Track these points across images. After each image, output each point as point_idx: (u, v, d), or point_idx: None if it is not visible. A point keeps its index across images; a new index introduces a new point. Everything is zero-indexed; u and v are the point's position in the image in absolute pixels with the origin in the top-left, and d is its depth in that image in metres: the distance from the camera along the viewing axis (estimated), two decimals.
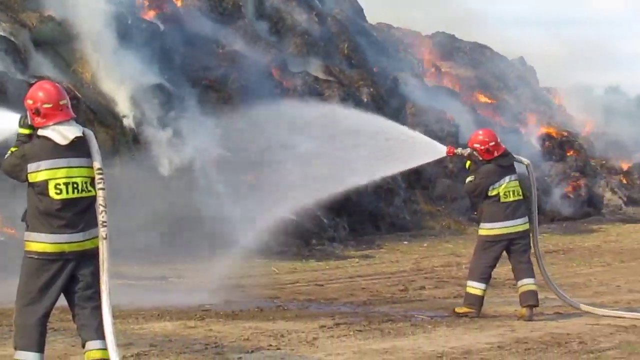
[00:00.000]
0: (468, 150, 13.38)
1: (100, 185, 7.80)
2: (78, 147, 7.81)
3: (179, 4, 28.51)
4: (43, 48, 21.91)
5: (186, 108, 23.94)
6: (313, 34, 32.38)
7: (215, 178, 22.19)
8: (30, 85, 19.75)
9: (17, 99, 19.26)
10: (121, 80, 22.52)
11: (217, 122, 23.71)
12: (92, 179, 7.82)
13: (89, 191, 7.81)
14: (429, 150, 14.43)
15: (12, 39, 21.20)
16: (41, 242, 7.75)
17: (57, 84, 8.02)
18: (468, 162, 13.47)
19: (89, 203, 7.83)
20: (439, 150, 14.19)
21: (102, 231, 7.77)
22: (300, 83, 28.41)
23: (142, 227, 18.27)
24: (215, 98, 25.29)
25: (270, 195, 20.27)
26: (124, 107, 22.28)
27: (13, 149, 7.83)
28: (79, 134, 7.80)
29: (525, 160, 13.50)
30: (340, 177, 17.86)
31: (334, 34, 33.59)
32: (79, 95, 20.93)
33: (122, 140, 21.57)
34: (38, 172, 7.68)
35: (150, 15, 27.09)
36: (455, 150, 13.76)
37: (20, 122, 7.89)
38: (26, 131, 7.85)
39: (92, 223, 7.83)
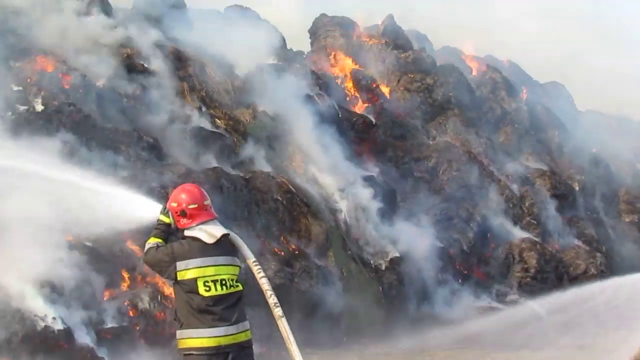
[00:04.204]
0: None
1: (261, 274, 8.11)
2: (223, 246, 8.08)
3: (389, 96, 28.82)
4: (256, 143, 22.34)
5: (398, 200, 24.04)
6: (522, 122, 32.18)
7: (437, 269, 22.12)
8: (246, 180, 20.36)
9: (231, 193, 19.73)
10: (333, 173, 22.75)
11: (429, 213, 23.72)
12: (237, 276, 8.04)
13: (237, 287, 8.02)
14: None
15: (227, 135, 21.75)
16: (198, 338, 7.90)
17: (198, 186, 8.35)
18: None
19: (238, 298, 8.02)
20: None
21: (276, 311, 8.00)
22: (511, 172, 28.23)
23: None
24: (426, 189, 25.31)
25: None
26: (337, 200, 22.46)
27: (152, 239, 8.14)
28: (225, 231, 8.08)
29: None
30: None
31: (544, 122, 33.28)
32: (292, 189, 21.19)
33: (335, 233, 21.65)
34: (187, 270, 7.93)
35: (361, 108, 27.49)
36: None
37: (162, 210, 8.24)
38: (167, 219, 8.15)
39: (243, 316, 8.03)
